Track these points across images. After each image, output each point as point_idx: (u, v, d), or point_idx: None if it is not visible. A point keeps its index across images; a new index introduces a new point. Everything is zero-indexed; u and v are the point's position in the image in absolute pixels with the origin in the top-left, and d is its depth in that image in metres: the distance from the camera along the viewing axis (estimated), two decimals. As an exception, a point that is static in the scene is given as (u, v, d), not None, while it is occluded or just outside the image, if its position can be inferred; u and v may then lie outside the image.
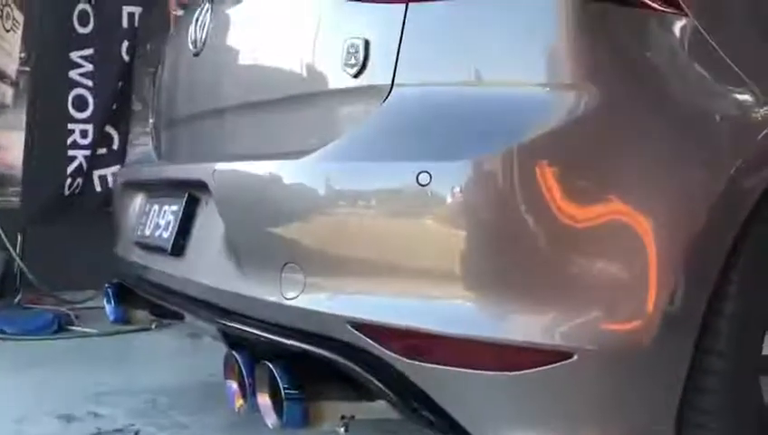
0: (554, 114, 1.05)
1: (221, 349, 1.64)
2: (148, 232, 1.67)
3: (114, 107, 3.70)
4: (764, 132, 1.14)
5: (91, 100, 3.61)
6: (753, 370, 1.11)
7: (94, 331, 3.18)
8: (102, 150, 3.68)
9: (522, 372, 1.02)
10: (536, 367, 1.01)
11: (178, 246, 1.51)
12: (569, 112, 1.05)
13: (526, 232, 1.02)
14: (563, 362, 1.01)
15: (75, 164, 3.60)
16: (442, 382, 1.06)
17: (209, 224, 1.44)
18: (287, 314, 1.18)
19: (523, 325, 1.02)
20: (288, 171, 1.21)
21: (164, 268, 1.58)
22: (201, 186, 1.42)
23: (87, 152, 3.61)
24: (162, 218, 1.61)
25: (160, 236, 1.59)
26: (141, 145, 3.48)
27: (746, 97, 1.16)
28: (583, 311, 1.02)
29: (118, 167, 3.67)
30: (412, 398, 1.08)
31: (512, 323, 1.02)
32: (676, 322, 1.03)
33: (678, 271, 1.03)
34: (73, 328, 3.22)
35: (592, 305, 1.02)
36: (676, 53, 1.15)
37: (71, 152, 3.58)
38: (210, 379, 2.50)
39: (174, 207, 1.56)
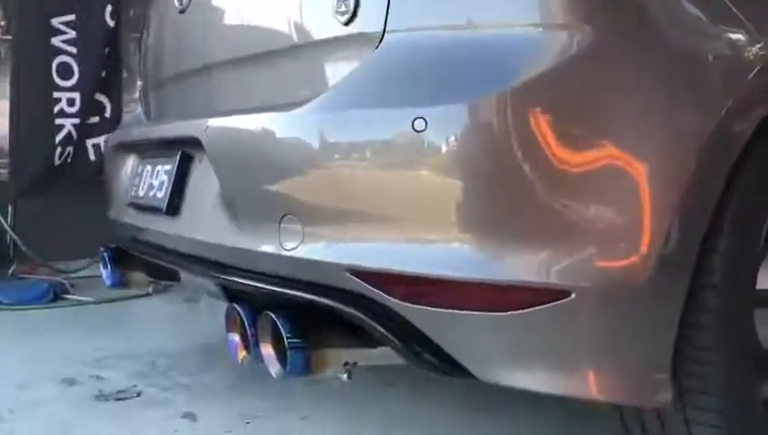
0: (548, 55, 1.05)
1: (218, 313, 1.65)
2: (141, 193, 1.67)
3: (103, 74, 3.64)
4: (756, 71, 1.14)
5: (76, 67, 3.55)
6: (747, 305, 1.13)
7: (90, 299, 3.19)
8: (95, 119, 3.63)
9: (520, 311, 1.03)
10: (534, 306, 1.03)
11: (173, 205, 1.51)
12: (562, 53, 1.05)
13: (521, 174, 1.03)
14: (561, 301, 1.02)
15: (64, 133, 3.56)
16: (442, 325, 1.08)
17: (204, 181, 1.44)
18: (287, 265, 1.18)
19: (520, 266, 1.03)
20: (282, 123, 1.21)
21: (160, 228, 1.58)
22: (194, 143, 1.41)
23: (76, 120, 3.57)
24: (156, 179, 1.60)
25: (154, 196, 1.58)
26: (129, 112, 3.44)
27: (740, 36, 1.15)
28: (579, 250, 1.03)
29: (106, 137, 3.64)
30: (414, 342, 1.10)
31: (509, 263, 1.03)
32: (672, 259, 1.04)
33: (673, 209, 1.04)
34: (69, 297, 3.23)
35: (588, 245, 1.03)
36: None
37: (58, 121, 3.53)
38: (208, 341, 2.53)
39: (167, 167, 1.56)
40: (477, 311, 1.05)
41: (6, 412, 1.83)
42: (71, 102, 3.55)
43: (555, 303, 1.02)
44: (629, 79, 1.07)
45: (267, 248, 1.20)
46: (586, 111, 1.05)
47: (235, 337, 1.29)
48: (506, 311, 1.04)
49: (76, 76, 3.55)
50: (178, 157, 1.51)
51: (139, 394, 1.98)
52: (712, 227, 1.08)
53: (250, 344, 1.23)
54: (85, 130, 3.60)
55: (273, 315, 1.16)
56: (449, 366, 1.10)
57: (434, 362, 1.11)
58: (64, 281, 3.36)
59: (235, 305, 1.25)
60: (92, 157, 3.65)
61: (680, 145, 1.07)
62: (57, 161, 3.58)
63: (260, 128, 1.24)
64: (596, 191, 1.03)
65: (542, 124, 1.03)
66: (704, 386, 1.09)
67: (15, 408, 1.86)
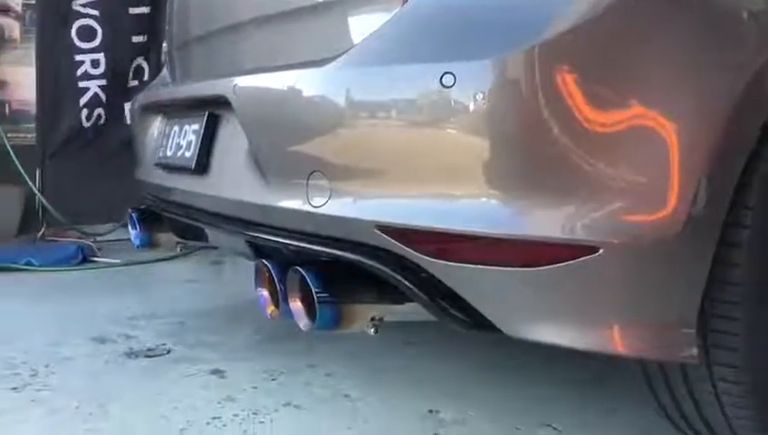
0: (579, 9, 1.04)
1: (242, 275, 1.68)
2: (169, 153, 1.69)
3: (142, 39, 3.63)
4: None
5: (99, 29, 3.56)
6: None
7: (117, 261, 3.25)
8: (134, 83, 3.64)
9: (548, 267, 1.04)
10: (562, 262, 1.03)
11: (202, 164, 1.52)
12: (594, 7, 1.04)
13: (549, 129, 1.03)
14: (589, 257, 1.02)
15: (89, 95, 3.58)
16: (470, 281, 1.09)
17: (231, 140, 1.45)
18: (315, 222, 1.20)
19: (549, 222, 1.03)
20: (310, 80, 1.21)
21: (188, 187, 1.60)
22: (222, 102, 1.42)
23: (102, 82, 3.58)
24: (183, 138, 1.62)
25: (182, 155, 1.60)
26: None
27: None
28: (607, 206, 1.03)
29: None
30: (441, 297, 1.11)
31: (537, 219, 1.04)
32: (700, 215, 1.04)
33: (702, 165, 1.03)
34: (97, 259, 3.30)
35: (616, 201, 1.03)
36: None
37: (82, 84, 3.55)
38: (233, 302, 2.57)
39: (195, 126, 1.57)
40: (505, 266, 1.06)
41: (42, 367, 1.88)
42: (95, 64, 3.56)
43: (583, 258, 1.03)
44: (661, 35, 1.06)
45: (295, 205, 1.22)
46: (616, 66, 1.04)
47: (264, 292, 1.31)
48: (534, 266, 1.05)
49: (99, 38, 3.56)
50: (206, 116, 1.53)
51: (168, 352, 2.03)
52: (741, 184, 1.08)
53: (279, 299, 1.26)
54: (122, 94, 3.60)
55: (301, 270, 1.18)
56: (476, 321, 1.11)
57: (460, 318, 1.12)
58: (92, 244, 3.43)
59: (264, 261, 1.27)
60: (129, 120, 3.68)
61: (711, 103, 1.06)
62: (86, 123, 3.61)
63: (288, 85, 1.25)
64: (625, 148, 1.03)
65: (570, 80, 1.02)
66: (729, 342, 1.10)
67: (50, 363, 1.92)
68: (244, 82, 1.36)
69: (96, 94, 3.59)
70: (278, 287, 1.24)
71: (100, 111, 3.61)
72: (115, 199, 2.98)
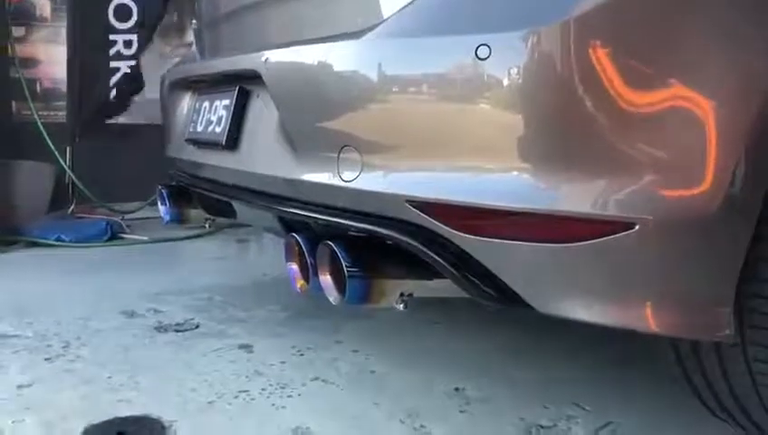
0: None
1: (268, 253, 1.69)
2: (200, 128, 1.69)
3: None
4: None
5: (135, 9, 3.57)
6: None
7: (145, 238, 3.29)
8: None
9: (582, 243, 1.03)
10: (597, 238, 1.02)
11: (232, 139, 1.53)
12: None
13: (585, 104, 1.01)
14: (624, 233, 1.01)
15: (119, 75, 3.61)
16: (501, 256, 1.08)
17: (262, 114, 1.45)
18: (346, 196, 1.19)
19: (585, 197, 1.02)
20: (341, 53, 1.20)
21: (218, 163, 1.61)
22: (253, 77, 1.42)
23: (132, 62, 3.61)
24: (214, 114, 1.62)
25: (213, 130, 1.61)
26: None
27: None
28: (644, 182, 1.01)
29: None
30: (472, 273, 1.10)
31: (572, 195, 1.02)
32: (738, 193, 1.02)
33: (740, 143, 1.01)
34: (126, 236, 3.34)
35: (653, 177, 1.01)
36: None
37: (114, 63, 3.58)
38: (260, 279, 2.59)
39: (225, 102, 1.57)
40: (538, 242, 1.05)
41: (73, 339, 1.92)
42: (127, 45, 3.58)
43: (618, 235, 1.01)
44: (700, 10, 1.03)
45: (326, 179, 1.22)
46: (653, 41, 1.02)
47: (294, 266, 1.32)
48: (567, 243, 1.03)
49: (134, 18, 3.58)
50: (236, 91, 1.53)
51: (197, 326, 2.05)
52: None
53: (309, 273, 1.26)
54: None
55: (332, 244, 1.18)
56: (506, 297, 1.10)
57: (490, 293, 1.11)
58: (121, 221, 3.47)
59: (295, 235, 1.28)
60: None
61: (751, 80, 1.03)
62: (115, 102, 3.64)
63: (320, 58, 1.24)
64: (661, 124, 1.01)
65: (608, 53, 1.00)
66: (765, 322, 1.08)
67: (81, 335, 1.95)
68: (275, 55, 1.35)
69: (126, 75, 3.61)
70: (308, 261, 1.25)
71: (127, 87, 3.63)
72: (143, 178, 3.01)
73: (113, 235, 3.28)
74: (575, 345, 1.86)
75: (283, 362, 1.76)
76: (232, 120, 1.53)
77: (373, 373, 1.70)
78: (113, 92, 3.61)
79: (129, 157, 3.59)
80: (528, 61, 1.02)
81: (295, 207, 1.31)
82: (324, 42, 1.24)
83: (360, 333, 1.96)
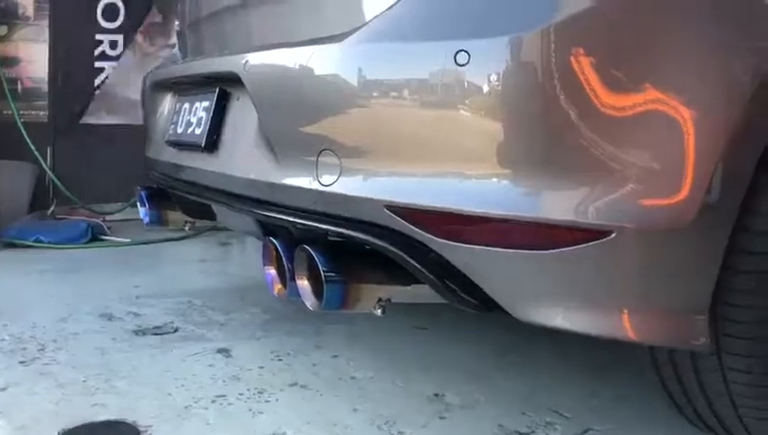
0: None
1: (250, 256, 1.69)
2: (180, 130, 1.68)
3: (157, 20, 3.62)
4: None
5: (122, 9, 3.54)
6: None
7: (127, 240, 3.26)
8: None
9: (559, 250, 1.03)
10: (574, 245, 1.02)
11: (212, 142, 1.52)
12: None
13: (564, 111, 1.01)
14: (602, 240, 1.01)
15: (103, 76, 3.58)
16: (479, 262, 1.08)
17: (242, 117, 1.44)
18: (325, 200, 1.19)
19: (561, 204, 1.02)
20: (321, 57, 1.20)
21: (198, 165, 1.59)
22: (232, 79, 1.41)
23: (116, 63, 3.58)
24: (194, 116, 1.61)
25: (193, 132, 1.59)
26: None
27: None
28: (621, 190, 1.01)
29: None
30: (449, 278, 1.10)
31: (550, 202, 1.02)
32: (715, 202, 1.02)
33: (718, 151, 1.02)
34: (106, 238, 3.30)
35: (630, 184, 1.01)
36: None
37: (98, 64, 3.55)
38: (241, 283, 2.58)
39: (205, 103, 1.56)
40: (515, 249, 1.05)
41: (50, 342, 1.89)
42: (113, 45, 3.55)
43: (595, 242, 1.01)
44: (679, 17, 1.04)
45: (305, 184, 1.21)
46: (633, 48, 1.02)
47: (272, 270, 1.31)
48: (545, 249, 1.03)
49: (121, 18, 3.54)
50: (216, 93, 1.52)
51: (175, 330, 2.03)
52: (758, 171, 1.06)
53: (286, 278, 1.25)
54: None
55: (309, 249, 1.17)
56: (485, 304, 1.10)
57: (469, 300, 1.11)
58: (101, 223, 3.44)
59: (272, 239, 1.27)
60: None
61: (729, 87, 1.04)
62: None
63: (299, 62, 1.23)
64: (640, 131, 1.01)
65: (587, 59, 1.00)
66: (741, 331, 1.08)
67: (57, 338, 1.92)
68: (255, 58, 1.34)
69: (109, 76, 3.58)
70: (286, 266, 1.24)
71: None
72: (125, 179, 2.98)
73: (94, 236, 3.25)
74: (561, 350, 1.86)
75: (261, 367, 1.75)
76: (212, 122, 1.52)
77: (353, 379, 1.69)
78: (97, 93, 3.57)
79: (110, 157, 3.55)
80: (507, 67, 1.02)
81: (274, 211, 1.30)
82: (304, 45, 1.24)
83: (341, 338, 1.95)
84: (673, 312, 1.05)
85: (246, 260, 3.08)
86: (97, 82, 3.56)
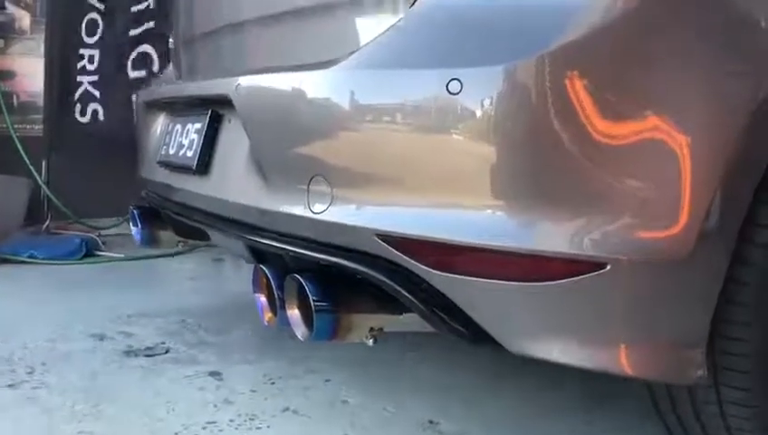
0: (591, 16, 1.00)
1: (244, 273, 1.67)
2: (172, 151, 1.66)
3: (138, 30, 3.60)
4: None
5: (101, 23, 3.54)
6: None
7: (121, 255, 3.24)
8: (140, 73, 3.61)
9: (553, 282, 1.00)
10: (568, 277, 1.00)
11: (203, 165, 1.50)
12: (606, 13, 1.00)
13: (558, 141, 0.99)
14: (597, 273, 0.99)
15: (81, 90, 3.57)
16: (471, 293, 1.06)
17: (234, 141, 1.42)
18: (315, 228, 1.17)
19: (555, 236, 1.00)
20: (313, 82, 1.18)
21: (189, 187, 1.58)
22: (224, 102, 1.39)
23: (93, 78, 3.57)
24: (186, 138, 1.59)
25: (184, 155, 1.57)
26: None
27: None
28: (616, 221, 1.00)
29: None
30: (441, 309, 1.08)
31: (543, 233, 1.00)
32: (712, 233, 1.00)
33: (715, 182, 1.00)
34: (100, 253, 3.28)
35: (625, 216, 1.00)
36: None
37: (79, 78, 3.54)
38: (234, 301, 2.55)
39: (197, 126, 1.55)
40: (508, 281, 1.03)
41: (39, 364, 1.87)
42: (91, 60, 3.55)
43: (590, 274, 0.99)
44: (674, 45, 1.02)
45: (295, 210, 1.19)
46: (628, 77, 1.01)
47: (262, 298, 1.29)
48: (538, 281, 1.01)
49: (99, 33, 3.54)
50: (209, 116, 1.50)
51: (167, 351, 2.01)
52: (756, 201, 1.04)
53: (276, 306, 1.23)
54: (119, 88, 3.57)
55: (299, 278, 1.15)
56: (476, 335, 1.08)
57: (461, 331, 1.09)
58: (96, 237, 3.41)
59: (262, 267, 1.25)
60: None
61: (726, 117, 1.02)
62: (81, 118, 3.59)
63: (291, 86, 1.22)
64: (636, 161, 0.99)
65: (581, 90, 0.98)
66: (738, 364, 1.06)
67: (47, 360, 1.90)
68: (246, 81, 1.33)
69: (86, 90, 3.57)
70: (276, 294, 1.21)
71: (95, 106, 3.59)
72: (120, 193, 2.96)
73: (88, 252, 3.22)
74: (558, 377, 1.83)
75: (253, 391, 1.72)
76: (203, 145, 1.50)
77: (345, 404, 1.66)
78: (77, 107, 3.56)
79: (106, 172, 3.53)
80: (500, 96, 1.00)
81: (264, 238, 1.28)
82: (295, 70, 1.22)
83: (335, 361, 1.93)
84: (669, 346, 1.03)
85: (240, 278, 3.05)
86: (76, 95, 3.55)
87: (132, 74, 3.58)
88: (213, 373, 1.83)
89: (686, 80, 1.01)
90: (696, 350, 1.03)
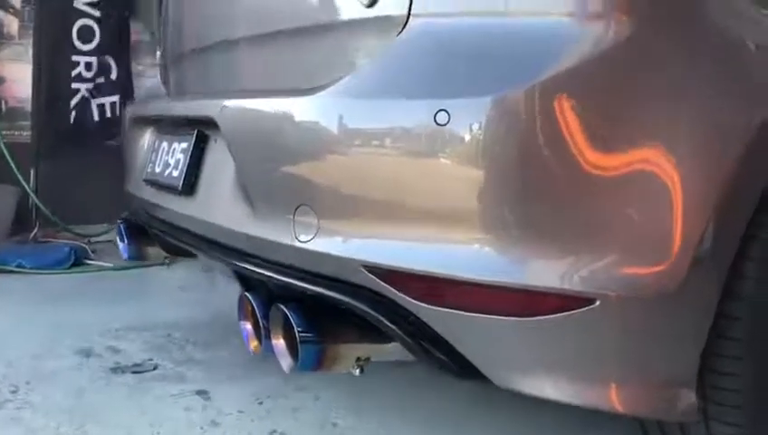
0: (580, 48, 0.99)
1: (234, 283, 1.65)
2: (158, 170, 1.64)
3: (119, 38, 3.60)
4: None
5: (97, 31, 3.51)
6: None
7: (110, 265, 3.20)
8: (100, 80, 3.60)
9: (542, 317, 0.99)
10: (557, 313, 0.98)
11: (189, 185, 1.48)
12: (596, 45, 0.99)
13: (546, 175, 0.98)
14: (585, 308, 0.98)
15: (78, 97, 3.54)
16: (458, 327, 1.04)
17: (220, 161, 1.40)
18: (301, 257, 1.15)
19: (544, 270, 0.98)
20: (299, 108, 1.16)
21: (175, 207, 1.55)
22: (210, 123, 1.37)
23: (90, 85, 3.55)
24: (172, 157, 1.57)
25: (170, 174, 1.55)
26: (151, 78, 3.40)
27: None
28: (606, 256, 0.98)
29: (117, 97, 3.61)
30: (427, 341, 1.06)
31: (532, 267, 0.99)
32: (702, 269, 0.99)
33: (706, 217, 0.99)
34: (89, 262, 3.25)
35: (615, 251, 0.98)
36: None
37: (75, 85, 3.51)
38: (224, 312, 2.52)
39: (183, 145, 1.52)
40: (496, 315, 1.01)
41: (23, 383, 1.84)
42: (88, 67, 3.52)
43: (579, 310, 0.98)
44: (667, 76, 1.01)
45: (281, 238, 1.17)
46: (618, 109, 0.99)
47: (248, 326, 1.27)
48: (527, 316, 1.00)
49: (96, 40, 3.52)
50: (195, 136, 1.48)
51: (154, 368, 1.98)
52: (747, 233, 1.03)
53: (262, 335, 1.21)
54: (92, 92, 3.58)
55: (284, 308, 1.13)
56: (463, 368, 1.06)
57: (447, 364, 1.07)
58: (85, 245, 3.38)
59: (248, 295, 1.23)
60: (96, 117, 3.63)
61: (719, 147, 1.01)
62: (75, 125, 3.58)
63: (276, 112, 1.20)
64: (625, 195, 0.98)
65: (570, 123, 0.97)
66: (729, 399, 1.05)
67: (32, 379, 1.87)
68: (232, 104, 1.30)
69: (83, 97, 3.54)
70: (261, 323, 1.19)
71: (89, 112, 3.57)
72: (110, 200, 2.93)
73: (77, 261, 3.19)
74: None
75: (240, 412, 1.70)
76: (189, 165, 1.48)
77: (335, 426, 1.64)
78: (72, 115, 3.53)
79: (95, 177, 3.50)
80: (488, 128, 0.98)
81: (250, 264, 1.26)
82: (281, 95, 1.20)
83: (324, 379, 1.90)
84: (659, 382, 1.02)
85: (229, 289, 3.02)
86: (72, 103, 3.52)
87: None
88: (200, 392, 1.81)
89: (678, 111, 1.00)
90: (686, 386, 1.02)
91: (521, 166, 0.98)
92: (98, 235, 3.56)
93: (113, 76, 3.60)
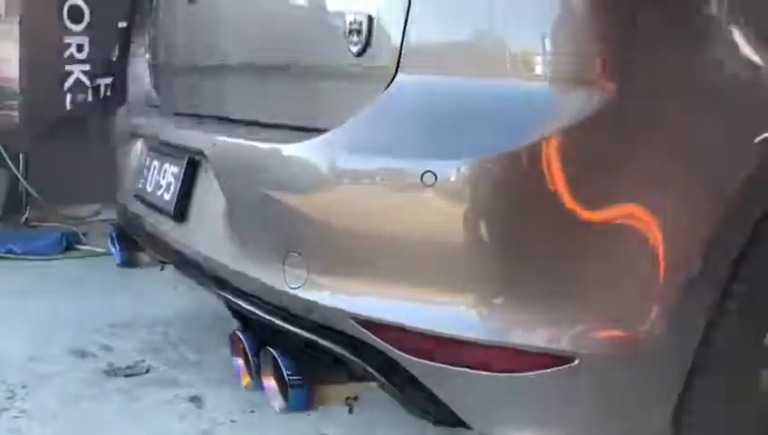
0: (567, 112, 1.00)
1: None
2: (149, 188, 1.65)
3: (123, 24, 3.52)
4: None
5: (86, 10, 3.44)
6: (753, 367, 1.12)
7: (103, 250, 3.20)
8: (94, 61, 3.52)
9: (524, 374, 1.03)
10: (538, 369, 1.02)
11: (181, 211, 1.49)
12: (582, 110, 1.00)
13: (530, 236, 1.00)
14: (565, 366, 1.01)
15: (72, 79, 3.49)
16: (445, 380, 1.08)
17: (211, 190, 1.41)
18: (291, 301, 1.17)
19: (525, 329, 1.02)
20: (287, 156, 1.17)
21: (166, 229, 1.57)
22: (202, 153, 1.38)
23: (85, 67, 3.49)
24: (163, 178, 1.58)
25: (162, 196, 1.56)
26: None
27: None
28: (585, 316, 1.01)
29: (111, 79, 3.56)
30: (415, 393, 1.10)
31: (514, 326, 1.02)
32: (680, 327, 1.03)
33: (684, 280, 1.02)
34: (81, 247, 3.25)
35: (594, 311, 1.01)
36: (702, 39, 1.07)
37: (68, 67, 3.46)
38: (218, 306, 2.53)
39: (174, 169, 1.53)
40: (480, 370, 1.04)
41: (19, 388, 1.87)
42: (80, 48, 3.46)
43: (559, 368, 1.01)
44: (646, 142, 1.02)
45: (269, 281, 1.19)
46: (602, 174, 1.01)
47: (240, 362, 1.30)
48: (510, 372, 1.03)
49: (86, 20, 3.45)
50: (186, 161, 1.48)
51: (147, 370, 2.01)
52: (725, 292, 1.06)
53: (253, 372, 1.24)
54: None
55: (273, 352, 1.16)
56: (447, 416, 1.10)
57: (432, 412, 1.11)
58: (76, 229, 3.37)
59: (239, 334, 1.26)
60: (90, 98, 3.58)
61: (701, 210, 1.03)
62: (69, 107, 3.53)
63: (266, 155, 1.21)
64: (604, 258, 1.01)
65: (556, 186, 0.99)
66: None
67: (27, 383, 1.90)
68: (223, 142, 1.31)
69: (78, 79, 3.49)
70: (252, 361, 1.23)
71: (83, 96, 3.52)
72: (100, 181, 2.93)
73: (69, 245, 3.19)
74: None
75: (233, 422, 1.74)
76: (180, 191, 1.49)
77: (325, 437, 1.69)
78: (68, 97, 3.49)
79: (87, 156, 3.47)
80: (474, 190, 1.00)
81: (240, 299, 1.29)
82: (270, 142, 1.21)
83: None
84: None
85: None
86: (66, 85, 3.47)
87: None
88: (193, 398, 1.84)
89: (659, 181, 1.02)
90: (660, 439, 1.06)
91: (503, 228, 1.00)
92: (90, 216, 3.55)
93: (107, 57, 3.53)
